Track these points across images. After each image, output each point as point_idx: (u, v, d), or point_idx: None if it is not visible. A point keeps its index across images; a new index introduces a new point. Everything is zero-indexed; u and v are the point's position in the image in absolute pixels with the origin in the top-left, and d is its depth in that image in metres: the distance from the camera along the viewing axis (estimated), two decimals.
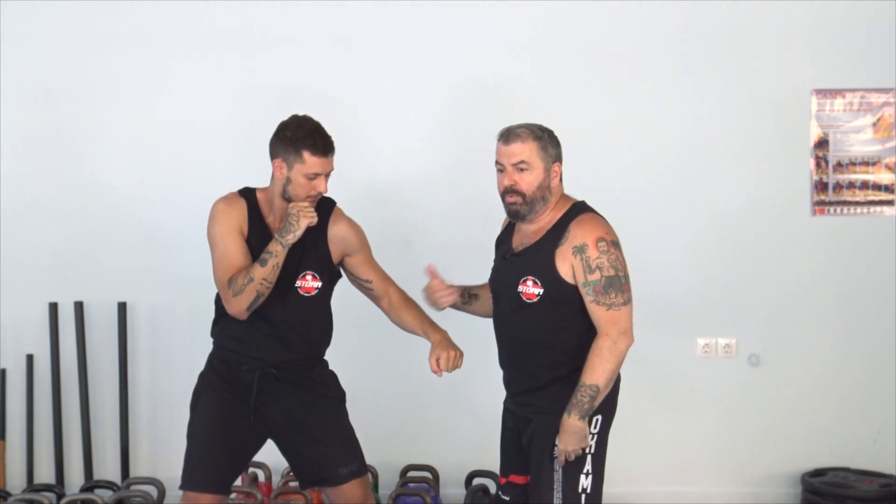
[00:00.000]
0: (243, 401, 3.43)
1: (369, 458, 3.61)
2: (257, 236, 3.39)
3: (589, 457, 3.19)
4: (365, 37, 4.78)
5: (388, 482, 4.70)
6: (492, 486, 4.48)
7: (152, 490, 4.55)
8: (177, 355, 4.80)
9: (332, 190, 3.44)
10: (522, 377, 3.28)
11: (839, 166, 4.81)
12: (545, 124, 3.26)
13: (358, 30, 4.78)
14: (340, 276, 3.55)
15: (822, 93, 4.80)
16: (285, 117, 3.40)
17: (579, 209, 3.24)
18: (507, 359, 3.33)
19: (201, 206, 3.52)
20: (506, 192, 3.22)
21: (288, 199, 3.36)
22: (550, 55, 4.78)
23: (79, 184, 4.80)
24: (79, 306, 4.78)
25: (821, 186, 4.82)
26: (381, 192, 4.76)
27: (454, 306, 3.50)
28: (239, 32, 4.77)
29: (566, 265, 3.15)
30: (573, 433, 3.13)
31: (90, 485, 4.69)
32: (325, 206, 3.45)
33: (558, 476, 3.18)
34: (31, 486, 4.70)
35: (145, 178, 4.80)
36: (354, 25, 4.77)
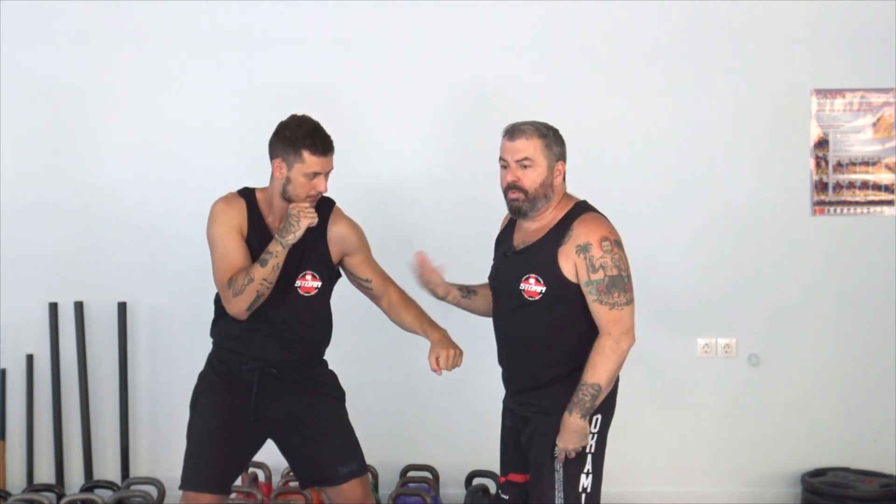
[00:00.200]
0: (243, 401, 3.43)
1: (369, 458, 3.61)
2: (257, 236, 3.39)
3: (589, 456, 3.19)
4: (365, 37, 4.78)
5: (388, 482, 4.70)
6: (492, 486, 4.48)
7: (152, 490, 4.55)
8: (177, 355, 4.80)
9: (332, 190, 3.44)
10: (522, 376, 3.28)
11: (839, 166, 4.81)
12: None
13: (358, 30, 4.78)
14: (340, 275, 3.55)
15: (822, 93, 4.80)
16: (285, 117, 3.40)
17: (582, 208, 3.25)
18: (507, 357, 3.34)
19: (201, 206, 3.52)
20: (508, 189, 3.22)
21: (288, 199, 3.36)
22: (550, 55, 4.78)
23: (79, 184, 4.80)
24: (79, 306, 4.78)
25: (821, 186, 4.82)
26: (381, 191, 4.76)
27: (453, 302, 3.49)
28: (239, 32, 4.77)
29: (569, 264, 3.15)
30: (574, 432, 3.13)
31: (90, 485, 4.69)
32: (325, 206, 3.45)
33: (559, 475, 3.18)
34: (31, 486, 4.70)
35: (145, 178, 4.80)
36: (354, 25, 4.78)
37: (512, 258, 3.27)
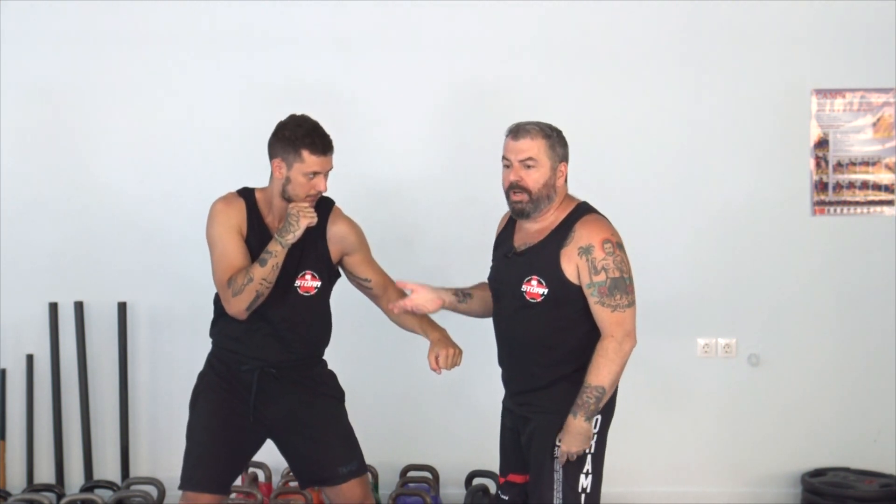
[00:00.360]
0: (242, 401, 3.43)
1: (369, 458, 3.61)
2: (256, 236, 3.39)
3: (589, 456, 3.19)
4: (365, 37, 4.78)
5: (388, 482, 4.70)
6: (492, 486, 4.48)
7: (152, 490, 4.55)
8: (177, 355, 4.79)
9: (332, 190, 3.45)
10: (522, 376, 3.27)
11: (839, 166, 4.81)
12: None
13: (358, 30, 4.78)
14: (339, 275, 3.55)
15: (822, 93, 4.80)
16: (285, 117, 3.40)
17: (584, 210, 3.25)
18: (507, 358, 3.33)
19: (201, 206, 3.51)
20: (511, 189, 3.21)
21: (287, 199, 3.36)
22: (550, 55, 4.78)
23: (79, 184, 4.80)
24: (79, 306, 4.78)
25: (821, 186, 4.82)
26: (381, 191, 4.76)
27: (450, 308, 3.46)
28: (239, 32, 4.77)
29: (571, 266, 3.15)
30: (578, 434, 3.13)
31: (90, 485, 4.69)
32: (324, 206, 3.45)
33: (559, 476, 3.18)
34: (31, 486, 4.70)
35: (145, 178, 4.80)
36: (354, 25, 4.77)
37: (513, 259, 3.27)
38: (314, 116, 3.39)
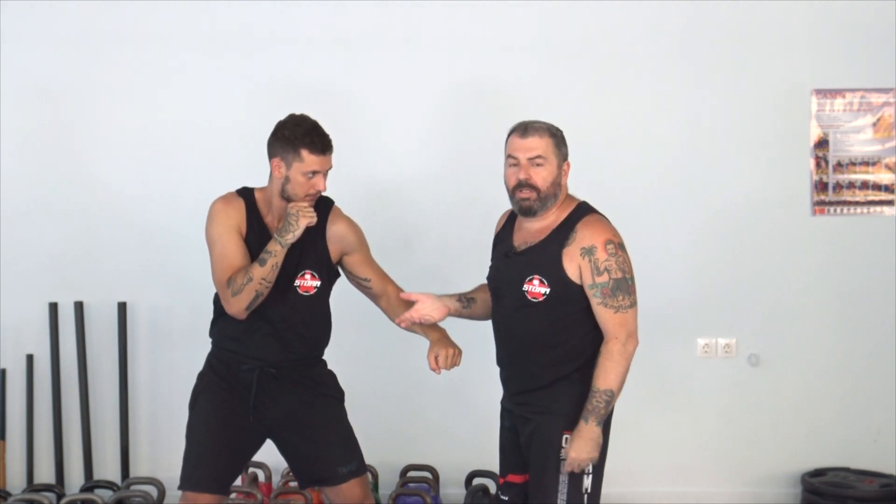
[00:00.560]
0: (242, 401, 3.43)
1: (369, 458, 3.61)
2: (256, 236, 3.39)
3: None
4: (365, 37, 4.78)
5: (388, 482, 4.70)
6: (492, 486, 4.48)
7: (152, 490, 4.55)
8: (177, 355, 4.79)
9: (332, 189, 3.45)
10: (522, 376, 3.27)
11: (839, 166, 4.81)
12: None
13: (358, 30, 4.78)
14: (339, 275, 3.55)
15: (822, 93, 4.80)
16: (284, 117, 3.40)
17: (585, 210, 3.24)
18: (507, 358, 3.32)
19: (201, 206, 3.51)
20: (518, 187, 3.20)
21: (287, 199, 3.36)
22: (550, 55, 4.78)
23: (79, 184, 4.80)
24: (79, 306, 4.78)
25: (821, 186, 4.82)
26: (382, 191, 4.76)
27: (455, 314, 3.42)
28: (239, 32, 4.77)
29: (573, 266, 3.14)
30: (589, 440, 3.11)
31: (90, 485, 4.69)
32: (324, 206, 3.45)
33: (564, 477, 3.16)
34: (31, 486, 4.70)
35: (145, 178, 4.80)
36: (354, 25, 4.77)
37: (514, 259, 3.26)
38: (314, 116, 3.39)
